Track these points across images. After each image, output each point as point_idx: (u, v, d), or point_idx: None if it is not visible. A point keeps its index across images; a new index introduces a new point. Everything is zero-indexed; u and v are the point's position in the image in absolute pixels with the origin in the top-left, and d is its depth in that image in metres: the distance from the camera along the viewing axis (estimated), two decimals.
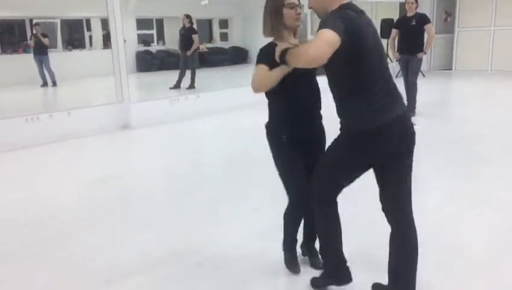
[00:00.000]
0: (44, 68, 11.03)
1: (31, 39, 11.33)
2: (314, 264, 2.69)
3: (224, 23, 17.82)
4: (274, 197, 3.04)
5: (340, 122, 2.16)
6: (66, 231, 3.43)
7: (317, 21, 2.12)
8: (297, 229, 2.64)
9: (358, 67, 1.99)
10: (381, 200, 2.23)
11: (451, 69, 12.87)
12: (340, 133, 2.15)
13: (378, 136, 2.02)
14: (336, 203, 2.30)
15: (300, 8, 2.41)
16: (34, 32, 11.13)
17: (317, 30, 1.95)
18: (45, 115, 6.27)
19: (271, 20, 2.39)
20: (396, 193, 2.19)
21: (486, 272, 2.64)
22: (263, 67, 2.32)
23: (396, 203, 2.20)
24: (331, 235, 2.32)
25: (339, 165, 2.17)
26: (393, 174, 2.16)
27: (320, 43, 1.88)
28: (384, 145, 2.06)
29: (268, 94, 2.45)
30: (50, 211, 3.81)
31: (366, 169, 2.20)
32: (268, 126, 2.52)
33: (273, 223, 3.03)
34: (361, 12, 2.07)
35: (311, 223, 2.55)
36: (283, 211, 2.60)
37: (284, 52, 2.13)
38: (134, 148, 6.34)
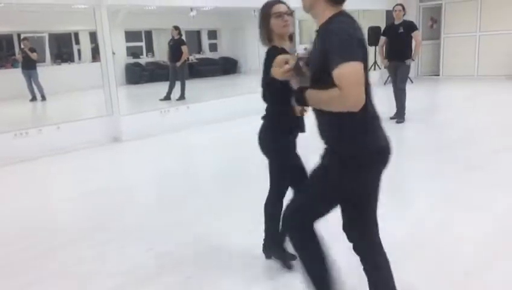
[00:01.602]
0: (33, 82, 10.98)
1: (19, 54, 11.30)
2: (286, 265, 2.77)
3: (213, 34, 17.89)
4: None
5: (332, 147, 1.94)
6: (59, 244, 3.38)
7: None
8: None
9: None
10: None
11: (438, 75, 13.02)
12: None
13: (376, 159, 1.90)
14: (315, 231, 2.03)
15: (289, 14, 2.50)
16: (22, 47, 11.10)
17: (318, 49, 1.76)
18: (34, 129, 6.22)
19: (263, 30, 2.55)
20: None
21: (478, 277, 2.64)
22: None
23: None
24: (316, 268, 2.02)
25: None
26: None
27: (356, 86, 1.66)
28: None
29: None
30: (41, 225, 3.77)
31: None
32: (272, 123, 2.58)
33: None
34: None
35: (277, 226, 2.60)
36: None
37: (300, 91, 1.87)
38: (125, 161, 6.30)
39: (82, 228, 3.70)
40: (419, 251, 2.96)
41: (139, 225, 3.69)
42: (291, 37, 2.63)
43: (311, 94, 1.84)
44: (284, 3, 2.54)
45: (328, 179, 1.92)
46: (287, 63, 2.00)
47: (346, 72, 1.65)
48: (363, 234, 2.04)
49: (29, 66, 10.88)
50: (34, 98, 11.17)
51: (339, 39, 1.71)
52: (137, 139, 6.85)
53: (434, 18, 13.22)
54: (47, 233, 3.63)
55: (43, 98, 11.15)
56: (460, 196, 3.95)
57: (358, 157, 1.83)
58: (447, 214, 3.58)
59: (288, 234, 2.06)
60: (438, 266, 2.76)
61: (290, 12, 2.53)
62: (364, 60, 1.77)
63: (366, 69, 1.82)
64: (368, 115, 1.83)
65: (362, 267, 2.05)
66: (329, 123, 1.89)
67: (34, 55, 10.88)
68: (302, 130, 2.63)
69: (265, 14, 2.51)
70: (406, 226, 3.37)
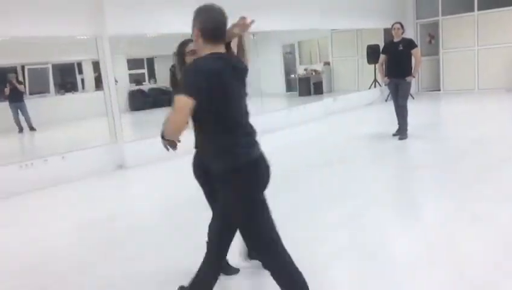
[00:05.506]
0: (22, 115, 11.07)
1: (6, 87, 11.28)
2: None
3: None
4: None
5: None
6: (60, 278, 3.37)
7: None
8: None
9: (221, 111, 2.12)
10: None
11: (439, 90, 13.06)
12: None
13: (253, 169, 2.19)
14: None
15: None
16: (10, 79, 11.20)
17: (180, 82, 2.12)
18: (39, 160, 6.26)
19: (179, 66, 2.76)
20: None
21: None
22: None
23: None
24: None
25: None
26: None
27: (179, 115, 2.02)
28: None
29: None
30: (44, 258, 3.76)
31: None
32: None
33: None
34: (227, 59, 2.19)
35: None
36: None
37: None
38: (129, 189, 6.31)
39: (83, 259, 3.69)
40: (428, 266, 2.93)
41: (143, 255, 3.68)
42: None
43: None
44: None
45: None
46: None
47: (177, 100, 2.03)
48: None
49: (17, 99, 10.99)
50: (21, 130, 11.24)
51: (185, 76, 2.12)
52: (142, 166, 6.87)
53: (432, 34, 13.34)
54: (48, 265, 3.62)
55: (32, 128, 11.23)
56: (467, 210, 3.92)
57: None
58: (455, 228, 3.55)
59: None
60: (447, 280, 2.73)
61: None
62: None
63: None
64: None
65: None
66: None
67: (21, 87, 11.10)
68: None
69: (180, 52, 2.75)
70: (413, 241, 3.34)
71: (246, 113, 2.27)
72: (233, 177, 2.15)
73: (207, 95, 2.03)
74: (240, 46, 2.51)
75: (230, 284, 3.01)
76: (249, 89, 2.41)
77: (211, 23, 2.15)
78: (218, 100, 2.09)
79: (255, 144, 2.23)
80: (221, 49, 2.19)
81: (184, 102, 1.99)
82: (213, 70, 2.07)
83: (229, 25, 2.32)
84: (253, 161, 2.18)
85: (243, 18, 2.44)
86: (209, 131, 2.18)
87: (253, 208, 2.21)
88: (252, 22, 2.42)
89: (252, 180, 2.19)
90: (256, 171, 2.20)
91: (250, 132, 2.25)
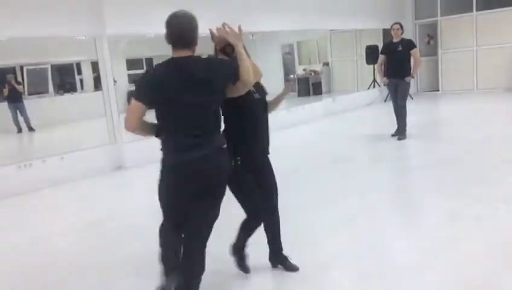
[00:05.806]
0: (20, 115, 11.06)
1: (5, 87, 11.27)
2: (290, 268, 2.98)
3: None
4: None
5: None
6: (60, 278, 3.36)
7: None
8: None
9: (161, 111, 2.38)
10: None
11: (438, 90, 13.07)
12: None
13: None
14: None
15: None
16: (8, 80, 11.18)
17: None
18: (38, 161, 6.25)
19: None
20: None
21: None
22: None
23: None
24: None
25: None
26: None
27: (127, 115, 2.34)
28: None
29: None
30: (43, 259, 3.76)
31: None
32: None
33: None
34: (180, 65, 2.31)
35: (275, 237, 2.99)
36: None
37: None
38: (128, 189, 6.30)
39: (83, 259, 3.69)
40: (428, 266, 2.94)
41: (143, 255, 3.67)
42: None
43: None
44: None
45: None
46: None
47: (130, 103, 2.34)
48: None
49: (15, 99, 10.99)
50: (20, 131, 11.22)
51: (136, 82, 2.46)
52: (141, 166, 6.84)
53: (430, 34, 13.35)
54: (47, 265, 3.62)
55: (31, 129, 11.22)
56: (467, 210, 3.92)
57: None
58: (455, 229, 3.56)
59: None
60: (447, 282, 2.73)
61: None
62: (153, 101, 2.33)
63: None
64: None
65: None
66: None
67: (20, 88, 11.10)
68: None
69: (215, 50, 2.79)
70: (413, 241, 3.34)
71: (196, 118, 2.34)
72: (161, 173, 2.44)
73: (149, 100, 2.29)
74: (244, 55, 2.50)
75: (233, 284, 3.01)
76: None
77: (172, 30, 2.34)
78: (159, 105, 2.32)
79: (191, 149, 2.33)
80: (184, 53, 2.32)
81: (134, 104, 2.30)
82: (156, 79, 2.30)
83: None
84: (177, 164, 2.36)
85: (228, 26, 2.54)
86: (162, 127, 2.42)
87: (163, 205, 2.51)
88: (239, 27, 2.54)
89: (169, 181, 2.41)
90: (175, 175, 2.39)
91: (196, 136, 2.34)
